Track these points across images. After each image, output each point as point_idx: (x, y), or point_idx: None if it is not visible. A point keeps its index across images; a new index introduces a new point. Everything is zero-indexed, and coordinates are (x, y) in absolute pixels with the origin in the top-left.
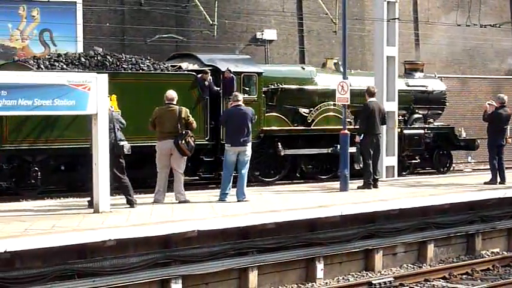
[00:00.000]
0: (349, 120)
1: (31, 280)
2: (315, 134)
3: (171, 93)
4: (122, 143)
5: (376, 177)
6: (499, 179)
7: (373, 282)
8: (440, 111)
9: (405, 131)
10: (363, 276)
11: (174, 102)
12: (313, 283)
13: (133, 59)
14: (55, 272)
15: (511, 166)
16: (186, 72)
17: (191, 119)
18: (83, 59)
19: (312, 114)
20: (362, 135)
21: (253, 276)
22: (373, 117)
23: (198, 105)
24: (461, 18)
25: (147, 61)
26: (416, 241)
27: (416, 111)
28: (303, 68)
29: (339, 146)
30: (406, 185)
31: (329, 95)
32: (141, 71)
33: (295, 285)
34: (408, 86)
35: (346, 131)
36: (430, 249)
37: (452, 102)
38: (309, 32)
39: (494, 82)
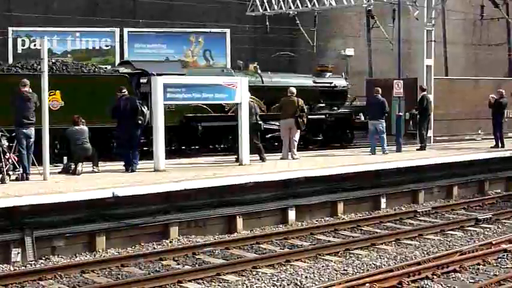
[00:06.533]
0: (262, 109)
1: (201, 207)
2: (231, 119)
3: (292, 89)
4: (260, 122)
5: (424, 145)
6: (500, 145)
7: (418, 210)
8: (343, 101)
9: (309, 116)
10: (411, 207)
11: (294, 95)
12: (379, 211)
13: (78, 64)
14: (215, 202)
15: (510, 137)
16: (115, 74)
17: (304, 106)
18: (35, 65)
19: (229, 104)
20: (418, 115)
21: (341, 206)
22: (428, 104)
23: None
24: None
25: (91, 66)
26: (445, 184)
27: (321, 101)
28: (223, 70)
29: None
30: (438, 149)
31: None
32: (81, 73)
33: (367, 212)
34: (315, 82)
35: (401, 113)
36: (455, 189)
37: (470, 96)
38: (374, 50)
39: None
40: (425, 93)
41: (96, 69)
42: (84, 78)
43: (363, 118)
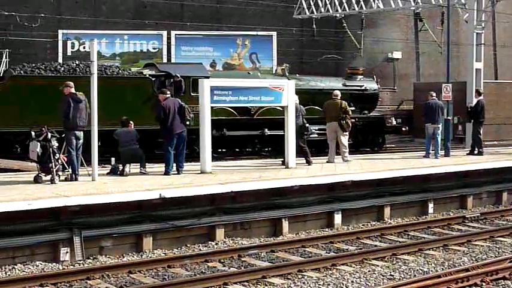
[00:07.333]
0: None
1: (247, 210)
2: (257, 127)
3: (337, 92)
4: (307, 124)
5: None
6: None
7: (466, 216)
8: (374, 105)
9: None
10: (459, 212)
11: (338, 98)
12: (426, 216)
13: (102, 66)
14: (261, 205)
15: None
16: (139, 76)
17: (348, 108)
18: (58, 67)
19: (255, 108)
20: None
21: (387, 211)
22: (483, 109)
23: (151, 100)
24: None
25: (115, 68)
26: (495, 190)
27: (351, 104)
28: (249, 73)
29: None
30: (487, 154)
31: None
32: (105, 75)
33: (414, 217)
34: (345, 85)
35: (449, 118)
36: (505, 195)
37: None
38: (422, 53)
39: None
40: (481, 97)
41: (120, 71)
42: (108, 80)
43: (394, 122)
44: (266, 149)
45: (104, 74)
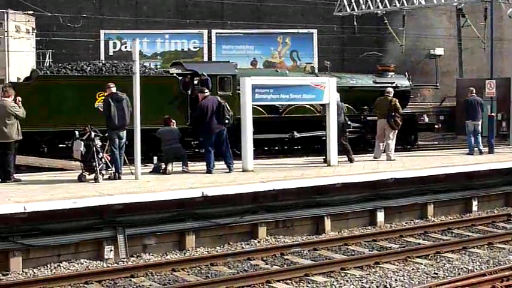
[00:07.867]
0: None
1: (288, 207)
2: (285, 128)
3: (390, 89)
4: (348, 122)
5: None
6: None
7: None
8: (406, 102)
9: (368, 118)
10: (504, 209)
11: (390, 95)
12: (470, 214)
13: (128, 65)
14: (303, 203)
15: None
16: (165, 75)
17: (398, 105)
18: (84, 66)
19: (284, 106)
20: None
21: (431, 208)
22: None
23: (179, 99)
24: None
25: (141, 67)
26: None
27: None
28: (277, 71)
29: None
30: None
31: None
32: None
33: (458, 215)
34: (375, 82)
35: (493, 114)
36: None
37: None
38: (465, 49)
39: None
40: None
41: (147, 70)
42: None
43: (427, 119)
44: (296, 147)
45: (129, 73)
